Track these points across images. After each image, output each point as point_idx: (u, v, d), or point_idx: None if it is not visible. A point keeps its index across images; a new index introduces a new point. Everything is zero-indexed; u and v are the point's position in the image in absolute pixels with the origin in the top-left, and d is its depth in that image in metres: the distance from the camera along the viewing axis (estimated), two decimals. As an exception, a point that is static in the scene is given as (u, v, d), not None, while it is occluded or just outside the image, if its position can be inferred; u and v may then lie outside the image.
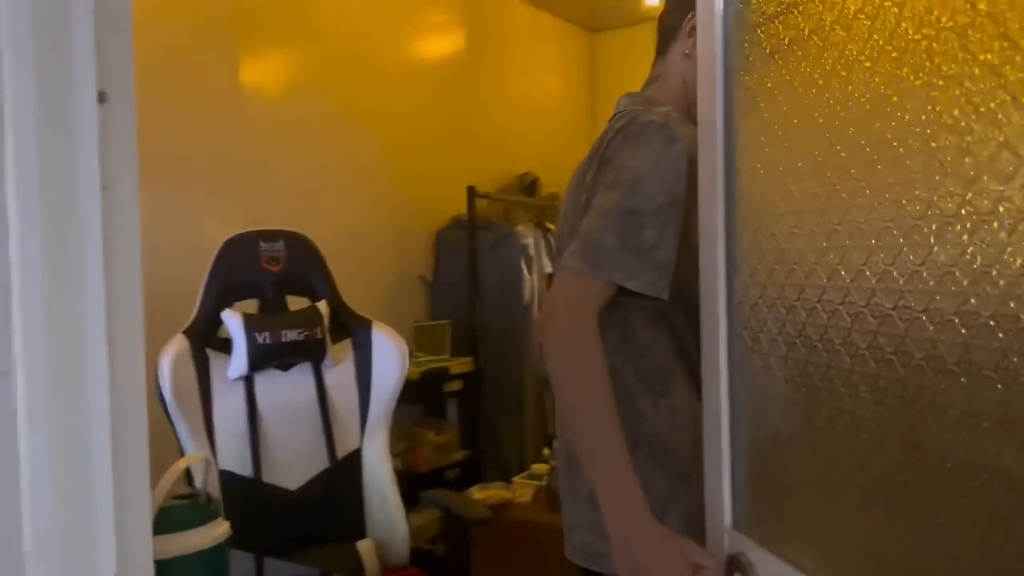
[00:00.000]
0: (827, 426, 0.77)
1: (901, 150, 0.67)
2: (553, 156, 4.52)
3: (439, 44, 3.80)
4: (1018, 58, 0.56)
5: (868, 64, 0.70)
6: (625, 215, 1.00)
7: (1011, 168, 0.57)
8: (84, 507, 0.58)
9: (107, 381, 0.59)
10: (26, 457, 0.56)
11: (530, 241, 3.58)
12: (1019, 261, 0.56)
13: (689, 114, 1.15)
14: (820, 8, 0.77)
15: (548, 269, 3.67)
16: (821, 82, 0.77)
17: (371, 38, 3.38)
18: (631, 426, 1.09)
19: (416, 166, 3.57)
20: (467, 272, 3.46)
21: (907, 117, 0.66)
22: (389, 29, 3.49)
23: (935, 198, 0.63)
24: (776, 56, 0.84)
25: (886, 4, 0.68)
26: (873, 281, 0.70)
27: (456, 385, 3.30)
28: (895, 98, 0.67)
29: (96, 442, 0.59)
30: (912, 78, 0.65)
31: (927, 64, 0.64)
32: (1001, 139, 0.57)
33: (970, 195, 0.60)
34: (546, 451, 3.02)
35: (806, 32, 0.79)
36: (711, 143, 0.92)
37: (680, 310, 1.10)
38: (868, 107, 0.71)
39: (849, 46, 0.73)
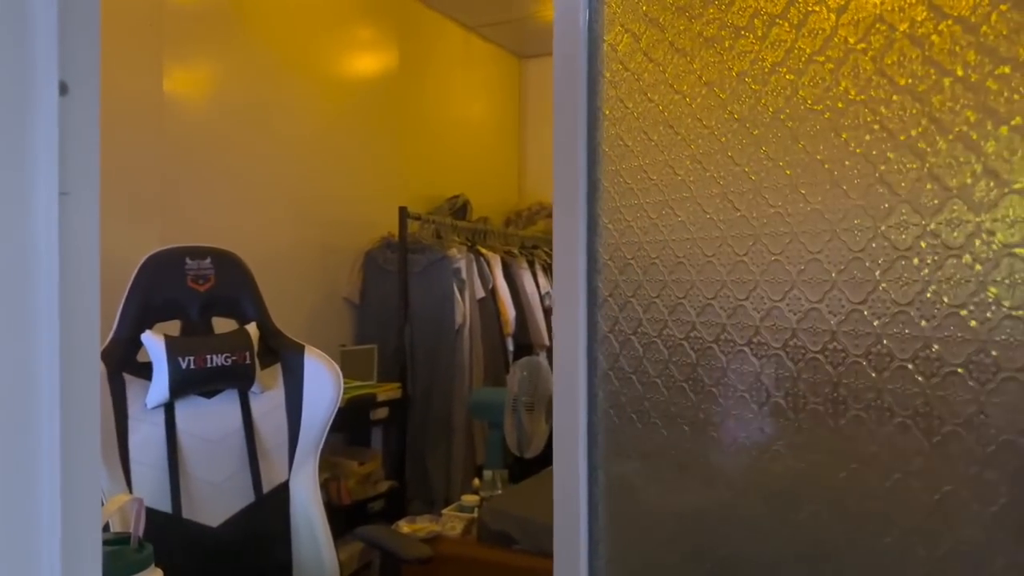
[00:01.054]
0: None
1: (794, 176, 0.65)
2: (483, 180, 4.49)
3: (371, 61, 3.72)
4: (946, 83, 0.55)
5: (755, 87, 0.68)
6: None
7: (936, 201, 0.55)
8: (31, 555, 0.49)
9: (59, 412, 0.50)
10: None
11: (462, 264, 3.51)
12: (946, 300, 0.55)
13: None
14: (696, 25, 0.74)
15: (481, 293, 3.61)
16: (695, 96, 0.74)
17: (302, 52, 3.28)
18: None
19: (345, 184, 3.47)
20: (397, 295, 3.37)
21: (800, 143, 0.64)
22: (321, 44, 3.39)
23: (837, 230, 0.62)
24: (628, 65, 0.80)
25: (780, 22, 0.66)
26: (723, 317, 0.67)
27: (382, 412, 3.19)
28: (789, 123, 0.65)
29: (45, 473, 0.50)
30: (811, 102, 0.64)
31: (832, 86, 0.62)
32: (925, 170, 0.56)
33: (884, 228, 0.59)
34: (476, 481, 2.94)
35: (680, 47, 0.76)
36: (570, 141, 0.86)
37: None
38: (755, 132, 0.69)
39: (731, 64, 0.70)
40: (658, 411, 0.73)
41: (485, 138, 4.68)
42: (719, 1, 0.69)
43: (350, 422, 3.16)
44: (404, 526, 2.60)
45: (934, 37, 0.54)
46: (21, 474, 0.49)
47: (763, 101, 0.64)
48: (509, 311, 3.72)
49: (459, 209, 3.96)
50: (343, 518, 2.76)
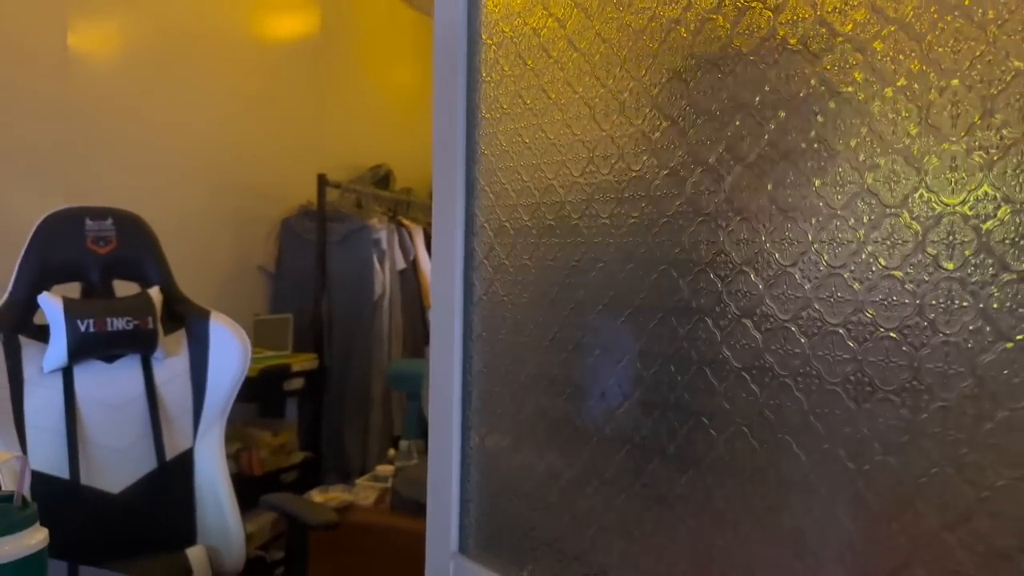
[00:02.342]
0: (554, 431, 0.77)
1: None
2: (407, 150, 4.45)
3: (291, 24, 3.64)
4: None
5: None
6: None
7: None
8: None
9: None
10: None
11: (383, 235, 3.49)
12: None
13: None
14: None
15: (401, 265, 3.60)
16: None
17: (218, 9, 3.18)
18: None
19: (262, 150, 3.39)
20: (314, 264, 3.33)
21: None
22: (238, 3, 3.29)
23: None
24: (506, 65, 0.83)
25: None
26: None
27: (298, 383, 3.16)
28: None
29: None
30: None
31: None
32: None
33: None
34: (392, 451, 2.95)
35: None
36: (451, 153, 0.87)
37: None
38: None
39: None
40: (527, 374, 0.76)
41: (410, 108, 4.64)
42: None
43: (264, 392, 3.11)
44: (316, 495, 2.60)
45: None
46: None
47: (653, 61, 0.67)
48: (430, 283, 3.71)
49: (381, 179, 3.92)
50: (255, 489, 2.73)
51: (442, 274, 0.88)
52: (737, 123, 0.59)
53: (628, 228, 0.63)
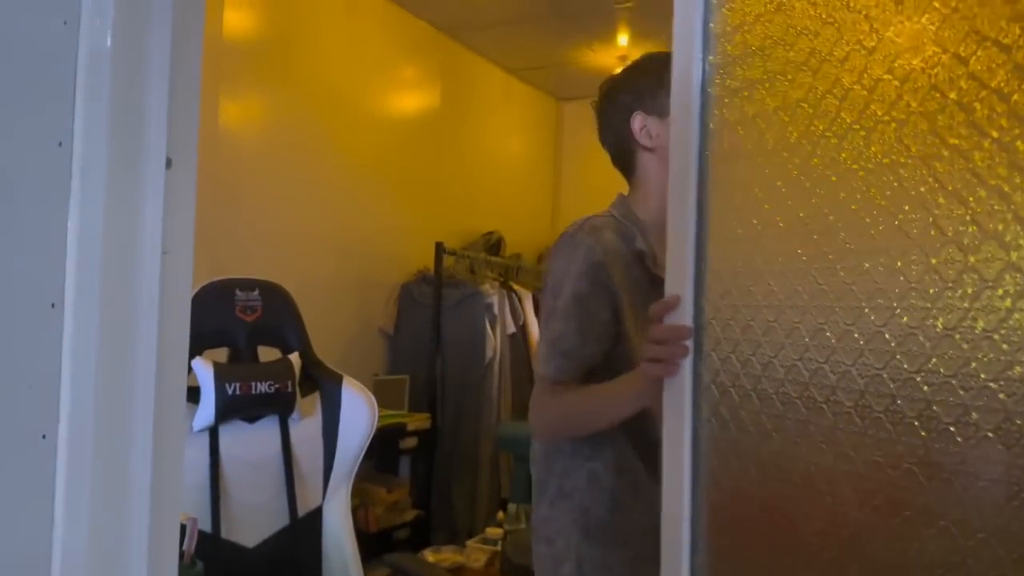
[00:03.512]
0: (802, 484, 0.79)
1: (867, 220, 0.73)
2: (517, 217, 4.58)
3: (413, 100, 3.85)
4: (985, 144, 0.62)
5: (835, 140, 0.76)
6: (546, 316, 1.27)
7: (976, 241, 0.63)
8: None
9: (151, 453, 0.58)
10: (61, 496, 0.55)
11: (495, 300, 3.60)
12: (980, 325, 0.63)
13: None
14: (787, 87, 0.82)
15: (511, 329, 3.69)
16: (785, 154, 0.82)
17: (347, 88, 3.41)
18: (559, 479, 1.31)
19: (383, 218, 3.58)
20: (430, 327, 3.46)
21: (872, 191, 0.72)
22: (365, 80, 3.53)
23: (899, 264, 0.69)
24: (740, 127, 0.88)
25: (855, 87, 0.74)
26: (862, 342, 0.73)
27: (412, 442, 3.26)
28: (861, 173, 0.73)
29: (134, 498, 0.57)
30: (880, 156, 0.71)
31: (895, 144, 0.70)
32: (968, 216, 0.64)
33: (935, 261, 0.66)
34: (501, 514, 2.99)
35: (771, 108, 0.84)
36: (681, 204, 0.94)
37: None
38: (834, 179, 0.76)
39: (815, 122, 0.78)
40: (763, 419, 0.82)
41: (521, 177, 4.79)
42: (807, 69, 0.78)
43: (380, 450, 3.23)
44: (429, 555, 2.66)
45: (976, 104, 0.63)
46: (114, 512, 0.56)
47: (842, 155, 0.74)
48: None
49: (493, 245, 4.05)
50: (370, 544, 2.82)
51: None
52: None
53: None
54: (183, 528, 1.10)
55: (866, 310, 0.71)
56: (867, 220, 0.72)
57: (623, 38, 3.96)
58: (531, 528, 1.40)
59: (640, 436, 1.27)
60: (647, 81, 1.33)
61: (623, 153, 1.40)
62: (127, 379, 0.57)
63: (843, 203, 0.74)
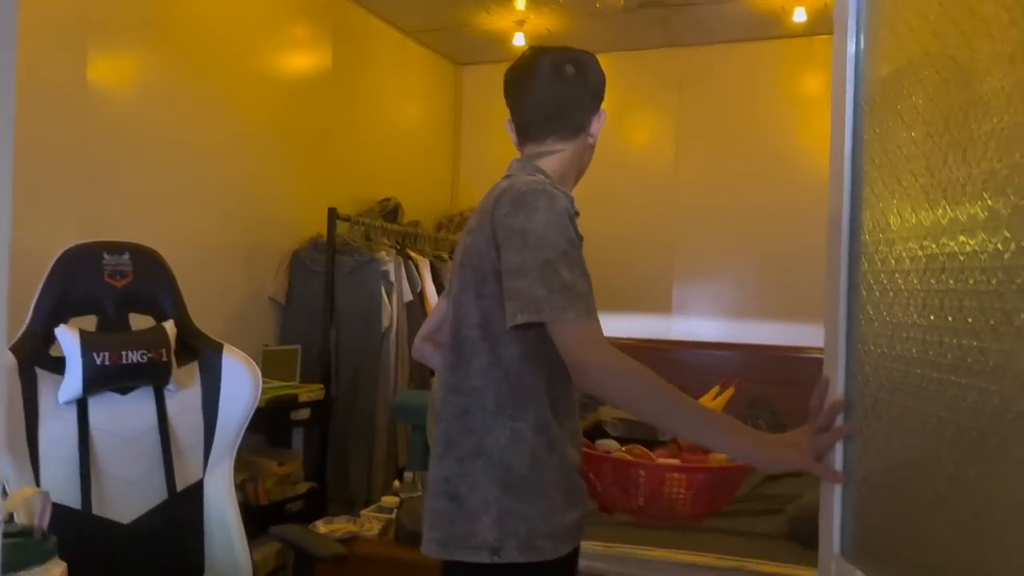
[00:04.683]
0: (956, 449, 0.78)
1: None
2: (415, 184, 4.51)
3: (303, 61, 3.72)
4: None
5: None
6: (542, 268, 1.23)
7: None
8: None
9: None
10: None
11: (391, 267, 3.53)
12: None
13: (567, 185, 1.47)
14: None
15: (408, 297, 3.64)
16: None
17: (233, 46, 3.26)
18: (478, 437, 1.32)
19: (273, 184, 3.45)
20: (323, 295, 3.37)
21: None
22: (252, 39, 3.37)
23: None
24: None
25: None
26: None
27: (304, 413, 3.19)
28: None
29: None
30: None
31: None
32: None
33: None
34: (396, 483, 2.97)
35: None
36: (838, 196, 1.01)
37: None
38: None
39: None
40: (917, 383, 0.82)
41: (419, 142, 4.71)
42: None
43: (270, 422, 3.14)
44: (321, 526, 2.61)
45: None
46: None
47: None
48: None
49: (390, 212, 3.98)
50: (260, 519, 2.75)
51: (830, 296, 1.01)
52: None
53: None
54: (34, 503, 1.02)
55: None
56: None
57: (520, 2, 3.92)
58: (429, 485, 1.40)
59: (557, 400, 1.35)
60: (602, 86, 1.49)
61: (563, 126, 1.46)
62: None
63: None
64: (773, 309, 4.30)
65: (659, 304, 4.52)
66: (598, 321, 1.24)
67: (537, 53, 1.50)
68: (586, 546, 1.62)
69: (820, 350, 1.10)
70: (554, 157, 1.46)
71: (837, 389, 1.04)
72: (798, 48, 4.27)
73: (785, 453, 1.13)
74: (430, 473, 1.42)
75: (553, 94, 1.46)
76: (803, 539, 2.34)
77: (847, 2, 1.03)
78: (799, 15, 3.93)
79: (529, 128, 1.47)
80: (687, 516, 1.75)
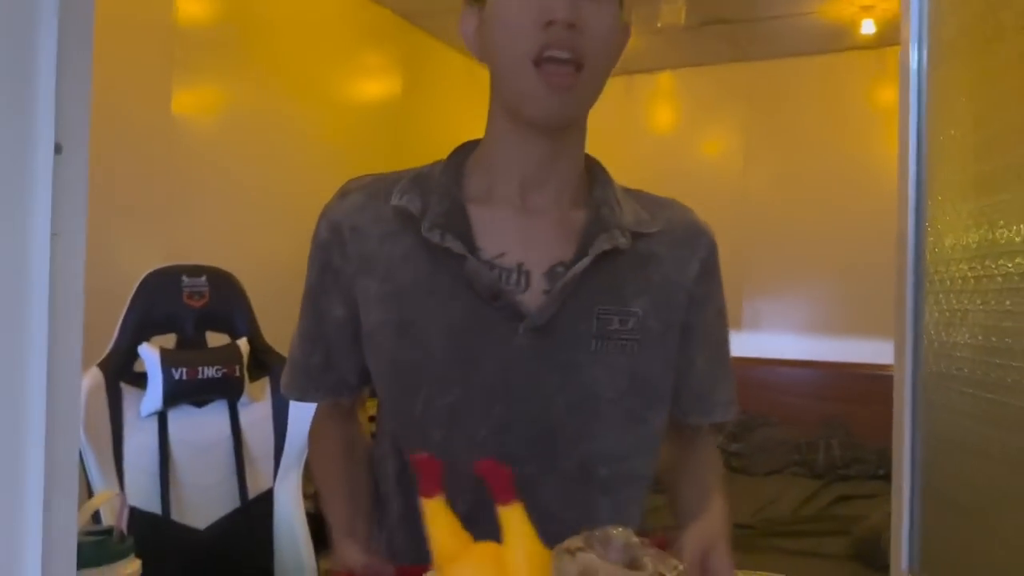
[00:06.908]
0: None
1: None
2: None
3: (375, 86, 3.86)
4: None
5: None
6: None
7: None
8: (13, 540, 0.59)
9: (43, 423, 0.60)
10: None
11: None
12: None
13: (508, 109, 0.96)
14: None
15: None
16: None
17: (307, 75, 3.41)
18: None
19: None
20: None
21: None
22: (325, 67, 3.53)
23: None
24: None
25: None
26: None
27: (372, 427, 3.28)
28: None
29: (30, 473, 0.60)
30: None
31: None
32: None
33: None
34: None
35: None
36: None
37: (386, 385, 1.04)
38: None
39: None
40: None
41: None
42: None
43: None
44: (387, 537, 2.68)
45: None
46: (10, 472, 0.59)
47: None
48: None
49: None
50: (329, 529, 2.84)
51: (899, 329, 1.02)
52: None
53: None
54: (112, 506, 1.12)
55: None
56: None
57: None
58: None
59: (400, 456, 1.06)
60: None
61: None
62: (18, 352, 0.59)
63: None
64: (848, 324, 4.22)
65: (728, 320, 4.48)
66: (296, 394, 1.14)
67: None
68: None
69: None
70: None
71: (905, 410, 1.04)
72: (868, 60, 4.20)
73: (338, 548, 0.96)
74: None
75: None
76: (868, 560, 2.30)
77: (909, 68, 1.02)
78: (867, 27, 3.87)
79: None
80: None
